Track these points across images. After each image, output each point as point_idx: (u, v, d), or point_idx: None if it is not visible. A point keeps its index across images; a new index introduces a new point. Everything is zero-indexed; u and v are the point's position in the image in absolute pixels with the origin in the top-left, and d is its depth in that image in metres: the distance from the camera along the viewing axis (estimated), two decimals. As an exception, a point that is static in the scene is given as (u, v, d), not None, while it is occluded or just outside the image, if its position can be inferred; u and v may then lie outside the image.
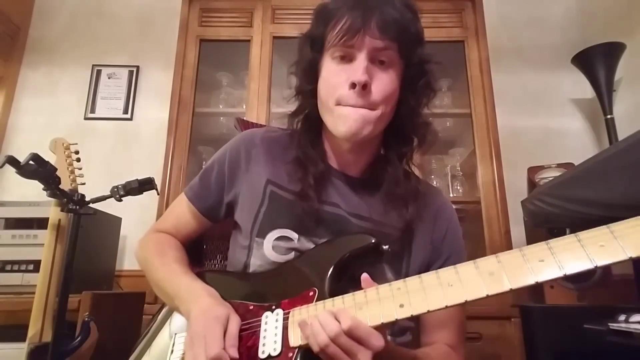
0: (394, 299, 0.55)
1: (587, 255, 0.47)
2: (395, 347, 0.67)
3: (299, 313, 0.62)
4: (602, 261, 0.46)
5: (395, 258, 0.75)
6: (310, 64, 0.76)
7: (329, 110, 0.72)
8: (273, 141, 0.83)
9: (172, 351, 0.71)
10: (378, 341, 0.53)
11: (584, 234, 0.48)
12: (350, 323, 0.53)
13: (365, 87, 0.68)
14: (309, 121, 0.80)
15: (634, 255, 0.45)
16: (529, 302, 1.58)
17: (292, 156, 0.79)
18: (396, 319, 0.54)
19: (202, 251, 1.00)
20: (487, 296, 0.50)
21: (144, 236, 0.87)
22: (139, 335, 0.81)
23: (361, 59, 0.69)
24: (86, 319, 1.24)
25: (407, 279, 0.57)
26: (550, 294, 1.58)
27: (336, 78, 0.71)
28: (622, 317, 1.03)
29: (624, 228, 0.46)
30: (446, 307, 0.52)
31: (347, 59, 0.71)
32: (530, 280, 0.48)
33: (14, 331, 1.27)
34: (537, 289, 1.58)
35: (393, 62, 0.71)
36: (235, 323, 0.63)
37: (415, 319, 0.75)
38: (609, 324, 1.03)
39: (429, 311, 0.52)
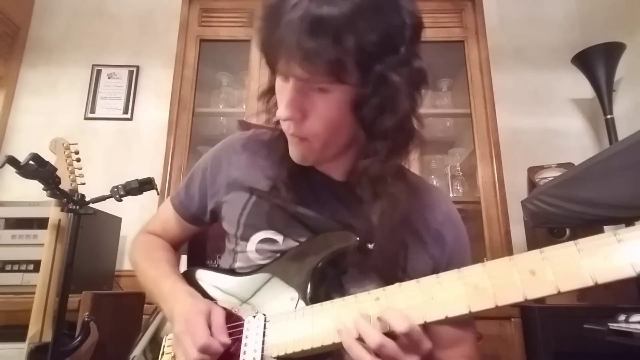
0: (372, 309, 0.53)
1: (588, 272, 0.42)
2: None
3: (279, 320, 0.61)
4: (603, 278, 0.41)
5: (388, 272, 0.69)
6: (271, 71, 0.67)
7: None
8: (257, 145, 0.79)
9: (162, 353, 0.71)
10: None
11: (585, 243, 0.43)
12: (409, 323, 0.49)
13: (292, 119, 0.60)
14: None
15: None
16: (529, 302, 1.57)
17: (274, 158, 0.75)
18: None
19: (203, 251, 1.00)
20: (470, 312, 0.48)
21: (134, 238, 0.89)
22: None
23: (288, 88, 0.59)
24: (86, 319, 1.24)
25: (387, 287, 0.55)
26: (550, 294, 1.59)
27: (278, 101, 0.64)
28: (622, 317, 1.03)
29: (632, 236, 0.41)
30: (425, 323, 0.50)
31: (285, 79, 0.60)
32: (518, 297, 0.45)
33: (14, 331, 1.27)
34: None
35: (332, 86, 0.57)
36: (219, 313, 0.63)
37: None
38: (609, 324, 1.03)
39: None
